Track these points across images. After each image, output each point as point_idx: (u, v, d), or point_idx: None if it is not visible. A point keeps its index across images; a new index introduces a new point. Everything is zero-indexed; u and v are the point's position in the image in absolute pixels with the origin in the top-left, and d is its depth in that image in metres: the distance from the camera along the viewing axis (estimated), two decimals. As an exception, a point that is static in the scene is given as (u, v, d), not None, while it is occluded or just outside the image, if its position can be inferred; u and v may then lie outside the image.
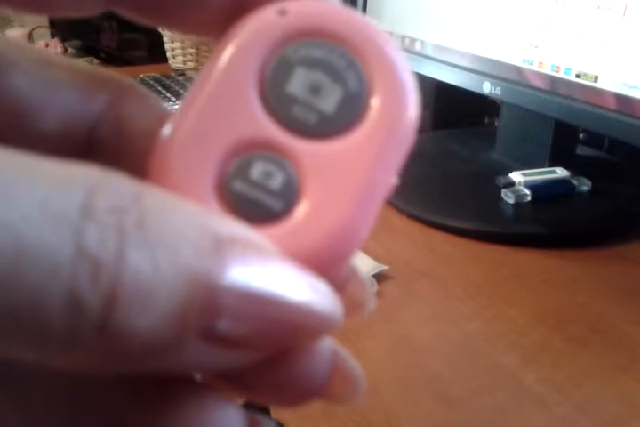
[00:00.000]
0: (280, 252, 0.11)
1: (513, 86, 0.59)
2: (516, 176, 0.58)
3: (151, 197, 0.09)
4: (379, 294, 0.46)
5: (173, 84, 0.98)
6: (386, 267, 0.48)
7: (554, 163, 0.61)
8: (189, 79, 1.00)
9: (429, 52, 0.68)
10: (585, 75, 0.52)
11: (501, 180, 0.59)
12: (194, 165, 0.11)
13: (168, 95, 0.92)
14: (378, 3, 0.75)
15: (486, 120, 0.83)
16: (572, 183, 0.58)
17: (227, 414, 0.12)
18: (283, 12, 0.12)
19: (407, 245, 0.54)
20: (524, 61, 0.58)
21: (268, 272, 0.10)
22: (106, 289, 0.09)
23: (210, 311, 0.09)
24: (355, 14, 0.13)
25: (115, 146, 0.14)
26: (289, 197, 0.12)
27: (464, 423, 0.35)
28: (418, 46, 0.70)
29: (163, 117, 0.14)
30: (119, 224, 0.09)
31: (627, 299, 0.46)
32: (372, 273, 0.47)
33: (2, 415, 0.11)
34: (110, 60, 1.25)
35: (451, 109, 0.80)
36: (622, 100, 0.49)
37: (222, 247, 0.10)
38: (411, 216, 0.57)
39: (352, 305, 0.14)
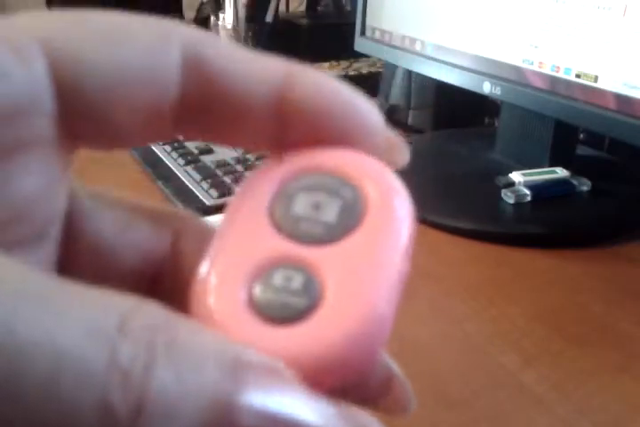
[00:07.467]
0: (307, 359, 0.12)
1: (513, 86, 0.59)
2: (516, 176, 0.58)
3: (180, 321, 0.11)
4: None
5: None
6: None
7: (554, 163, 0.61)
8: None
9: (429, 52, 0.68)
10: (585, 75, 0.52)
11: (501, 180, 0.59)
12: (225, 286, 0.13)
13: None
14: (378, 3, 0.75)
15: (486, 120, 0.83)
16: (572, 183, 0.58)
17: None
18: (279, 161, 0.15)
19: (407, 245, 0.54)
20: (524, 61, 0.58)
21: (283, 398, 0.11)
22: (134, 397, 0.09)
23: None
24: (333, 150, 0.15)
25: (181, 276, 0.16)
26: (312, 293, 0.13)
27: (464, 423, 0.35)
28: (418, 46, 0.70)
29: None
30: (150, 341, 0.10)
31: (627, 299, 0.46)
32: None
33: None
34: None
35: (451, 109, 0.80)
36: (622, 100, 0.49)
37: (241, 370, 0.10)
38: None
39: (397, 407, 0.16)
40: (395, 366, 0.16)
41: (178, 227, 0.17)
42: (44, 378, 0.09)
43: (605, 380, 0.38)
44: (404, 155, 0.16)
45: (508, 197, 0.57)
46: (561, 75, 0.54)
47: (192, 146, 0.68)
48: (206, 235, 0.16)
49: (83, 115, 0.13)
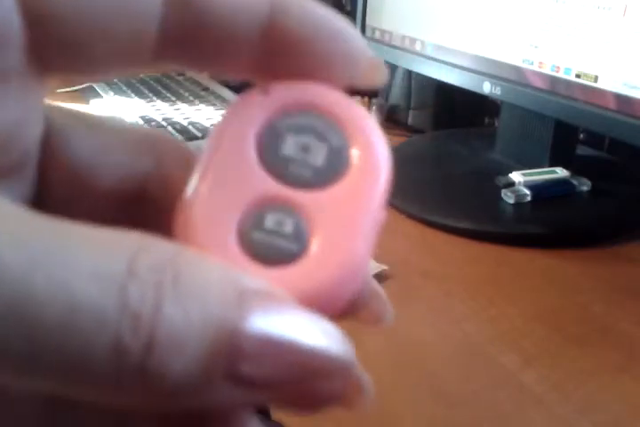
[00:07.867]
0: (298, 297, 0.13)
1: (513, 86, 0.59)
2: (516, 176, 0.58)
3: (185, 257, 0.11)
4: (379, 294, 0.46)
5: (173, 84, 0.98)
6: (385, 267, 0.48)
7: (554, 163, 0.61)
8: (189, 79, 1.00)
9: (429, 52, 0.68)
10: (585, 75, 0.52)
11: (501, 180, 0.59)
12: (216, 225, 0.13)
13: (168, 95, 0.92)
14: (378, 3, 0.75)
15: (486, 120, 0.83)
16: (572, 183, 0.58)
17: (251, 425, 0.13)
18: (266, 92, 0.15)
19: (407, 245, 0.54)
20: (524, 61, 0.58)
21: (286, 320, 0.11)
22: (145, 336, 0.10)
23: (234, 355, 0.11)
24: (323, 88, 0.15)
25: (163, 199, 0.16)
26: (302, 238, 0.14)
27: (464, 423, 0.35)
28: (418, 46, 0.70)
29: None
30: (157, 281, 0.10)
31: (627, 299, 0.46)
32: (371, 273, 0.47)
33: None
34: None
35: (451, 109, 0.80)
36: (622, 100, 0.49)
37: (245, 299, 0.11)
38: (410, 216, 0.57)
39: (373, 319, 0.16)
40: (373, 281, 0.16)
41: (159, 149, 0.16)
42: (59, 327, 0.10)
43: (605, 380, 0.38)
44: (383, 74, 0.16)
45: (508, 197, 0.57)
46: (561, 75, 0.54)
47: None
48: (189, 159, 0.16)
49: (55, 44, 0.13)
